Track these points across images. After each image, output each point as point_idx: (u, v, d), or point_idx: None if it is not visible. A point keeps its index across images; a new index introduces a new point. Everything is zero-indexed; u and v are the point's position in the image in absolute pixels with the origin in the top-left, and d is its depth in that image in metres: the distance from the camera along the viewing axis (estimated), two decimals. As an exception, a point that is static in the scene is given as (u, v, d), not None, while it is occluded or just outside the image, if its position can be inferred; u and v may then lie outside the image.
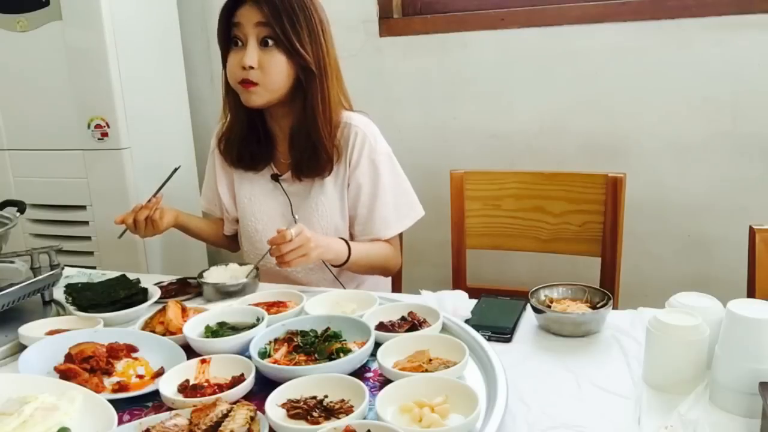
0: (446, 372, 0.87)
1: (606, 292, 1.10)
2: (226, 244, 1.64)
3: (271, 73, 1.31)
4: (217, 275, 1.28)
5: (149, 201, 1.41)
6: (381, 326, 1.02)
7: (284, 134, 1.44)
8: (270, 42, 1.30)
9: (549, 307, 1.08)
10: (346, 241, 1.38)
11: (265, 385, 0.88)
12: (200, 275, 1.28)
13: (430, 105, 2.14)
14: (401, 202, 1.45)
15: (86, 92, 1.98)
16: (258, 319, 1.05)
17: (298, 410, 0.80)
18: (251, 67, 1.30)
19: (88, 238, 2.12)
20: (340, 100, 1.41)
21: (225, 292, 1.24)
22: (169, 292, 1.29)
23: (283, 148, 1.45)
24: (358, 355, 0.92)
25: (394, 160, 1.46)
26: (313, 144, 1.36)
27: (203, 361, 0.93)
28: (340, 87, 1.42)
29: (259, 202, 1.48)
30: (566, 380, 0.93)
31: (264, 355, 0.95)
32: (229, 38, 1.34)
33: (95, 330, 1.05)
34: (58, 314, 1.19)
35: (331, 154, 1.37)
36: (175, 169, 1.43)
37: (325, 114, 1.36)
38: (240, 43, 1.32)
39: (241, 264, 1.31)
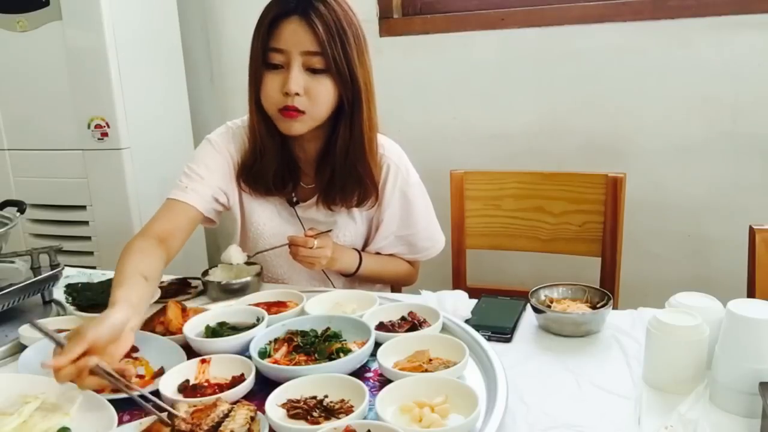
0: (446, 372, 0.87)
1: (606, 292, 1.10)
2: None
3: (320, 101, 1.19)
4: (221, 274, 1.28)
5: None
6: (381, 326, 1.02)
7: (309, 158, 1.32)
8: (319, 70, 1.17)
9: (549, 307, 1.08)
10: (360, 254, 1.35)
11: (265, 385, 0.88)
12: (204, 273, 1.28)
13: (430, 105, 2.14)
14: (429, 231, 1.41)
15: (86, 92, 1.98)
16: (258, 319, 1.05)
17: (298, 410, 0.80)
18: (296, 94, 1.17)
19: (88, 238, 2.12)
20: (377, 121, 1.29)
21: (229, 290, 1.24)
22: (169, 292, 1.29)
23: (308, 173, 1.34)
24: (358, 355, 0.92)
25: (423, 188, 1.38)
26: (357, 173, 1.26)
27: (203, 361, 0.93)
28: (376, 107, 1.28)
29: (273, 227, 1.36)
30: (566, 380, 0.93)
31: (264, 355, 0.95)
32: (264, 61, 1.19)
33: (95, 330, 1.05)
34: (58, 314, 1.19)
35: (377, 184, 1.28)
36: None
37: (372, 141, 1.26)
38: (279, 66, 1.18)
39: (247, 263, 1.31)
